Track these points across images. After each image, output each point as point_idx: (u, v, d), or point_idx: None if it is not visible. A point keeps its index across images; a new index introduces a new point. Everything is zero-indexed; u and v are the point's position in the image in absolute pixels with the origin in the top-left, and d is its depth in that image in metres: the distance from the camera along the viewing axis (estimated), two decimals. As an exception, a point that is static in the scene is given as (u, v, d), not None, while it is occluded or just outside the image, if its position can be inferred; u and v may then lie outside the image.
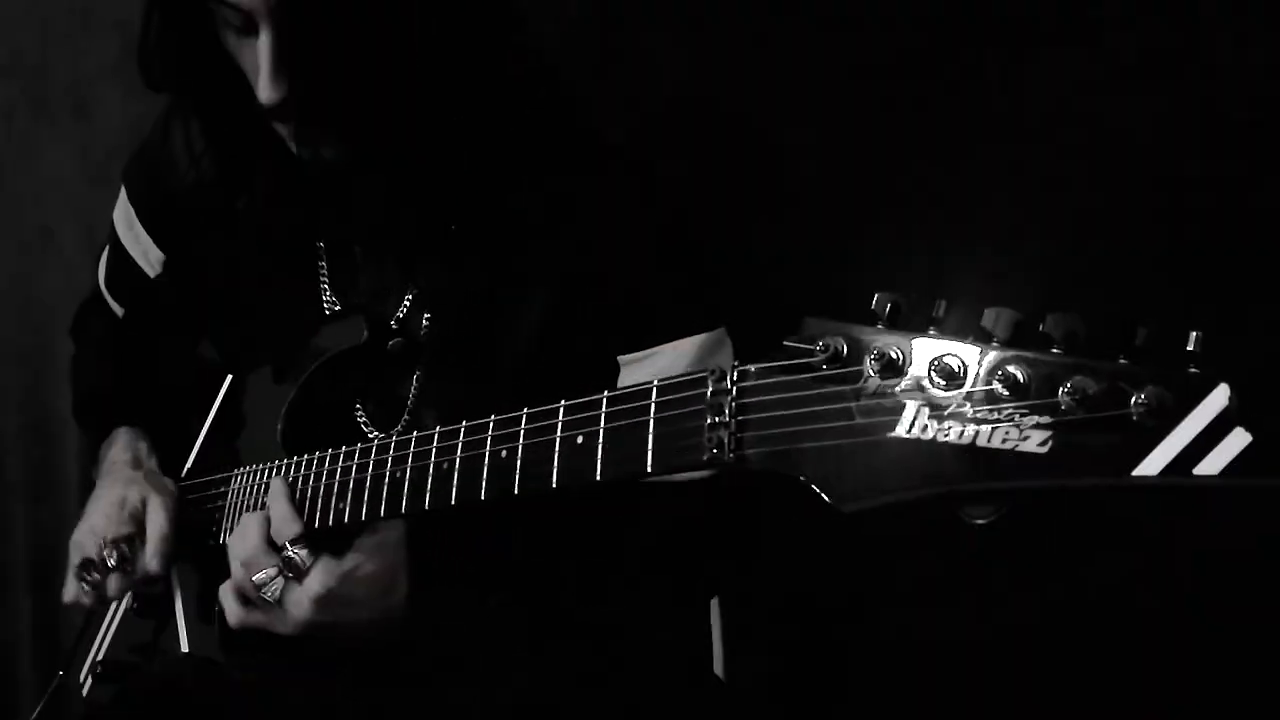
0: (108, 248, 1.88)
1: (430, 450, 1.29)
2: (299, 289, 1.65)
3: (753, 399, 0.99)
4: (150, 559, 1.64)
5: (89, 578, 1.65)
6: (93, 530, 1.67)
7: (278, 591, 1.41)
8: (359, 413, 1.60)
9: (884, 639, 2.08)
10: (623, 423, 1.09)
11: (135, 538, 1.65)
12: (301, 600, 1.40)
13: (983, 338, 0.91)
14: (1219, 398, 0.81)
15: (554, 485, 1.15)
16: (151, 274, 1.81)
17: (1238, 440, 0.80)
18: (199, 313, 1.79)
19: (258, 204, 1.58)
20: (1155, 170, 1.83)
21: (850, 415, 0.94)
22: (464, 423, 1.25)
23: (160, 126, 1.71)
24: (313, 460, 1.47)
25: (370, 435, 1.57)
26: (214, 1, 1.39)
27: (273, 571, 1.41)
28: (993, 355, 0.89)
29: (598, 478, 1.10)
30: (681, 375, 1.06)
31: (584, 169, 1.53)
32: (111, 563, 1.63)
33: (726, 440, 1.00)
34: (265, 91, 1.37)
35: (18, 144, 2.68)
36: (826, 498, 0.95)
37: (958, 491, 0.90)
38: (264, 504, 1.50)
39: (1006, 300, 0.93)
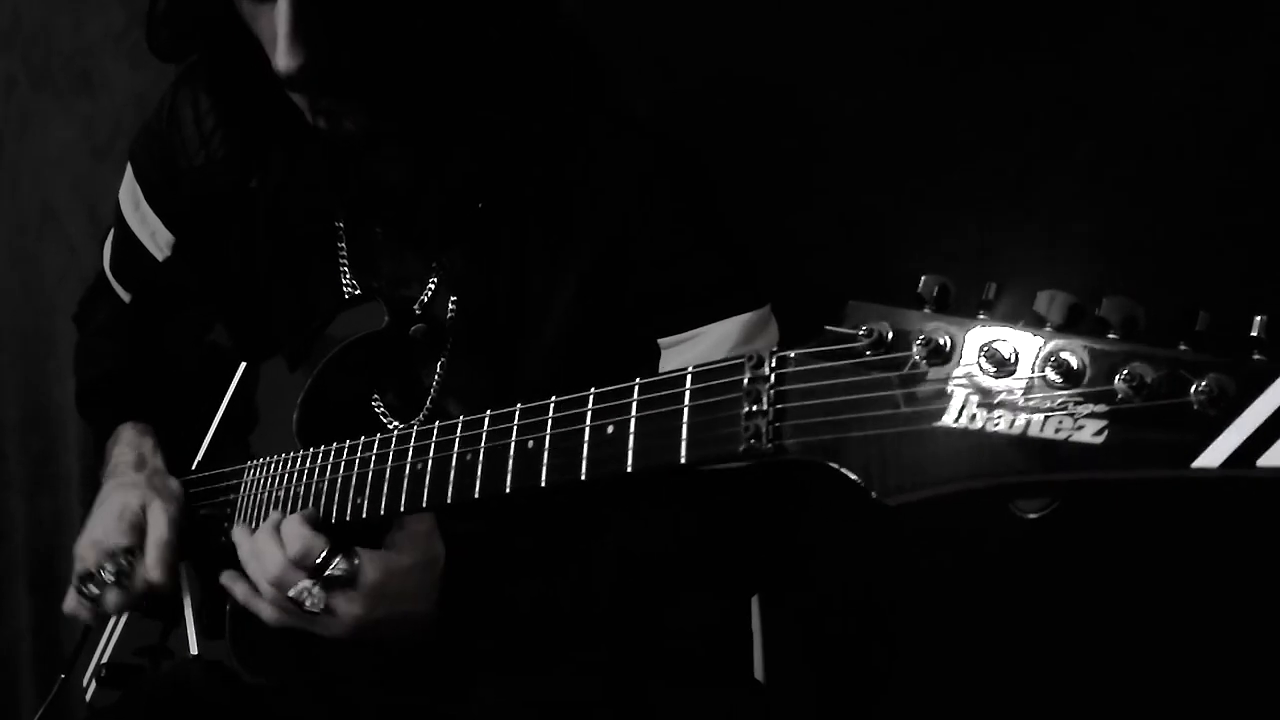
0: (113, 230, 1.91)
1: (453, 440, 1.32)
2: (316, 272, 1.67)
3: (792, 386, 1.01)
4: (151, 569, 1.67)
5: (86, 591, 1.68)
6: (93, 542, 1.71)
7: (320, 601, 1.43)
8: (377, 403, 1.63)
9: (929, 641, 2.09)
10: (655, 411, 1.12)
11: (135, 549, 1.68)
12: (354, 602, 1.43)
13: (1035, 323, 0.92)
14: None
15: (583, 478, 1.17)
16: (160, 257, 1.84)
17: (1304, 431, 0.81)
18: (210, 298, 1.82)
19: (273, 183, 1.61)
20: (1216, 148, 1.83)
21: (895, 404, 0.96)
22: (488, 412, 1.28)
23: (168, 101, 1.74)
24: (329, 452, 1.50)
25: (390, 426, 1.60)
26: None
27: (309, 583, 1.43)
28: (1046, 341, 0.90)
29: (629, 469, 1.13)
30: (717, 361, 1.08)
31: (616, 145, 1.55)
32: (109, 578, 1.66)
33: (764, 429, 1.02)
34: (284, 59, 1.39)
35: (17, 118, 2.71)
36: (870, 490, 0.97)
37: (1008, 484, 0.91)
38: (275, 509, 1.54)
39: (1059, 284, 0.94)
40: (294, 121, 1.52)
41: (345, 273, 1.67)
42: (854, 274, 1.96)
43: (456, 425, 1.32)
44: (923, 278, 0.99)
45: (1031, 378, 0.91)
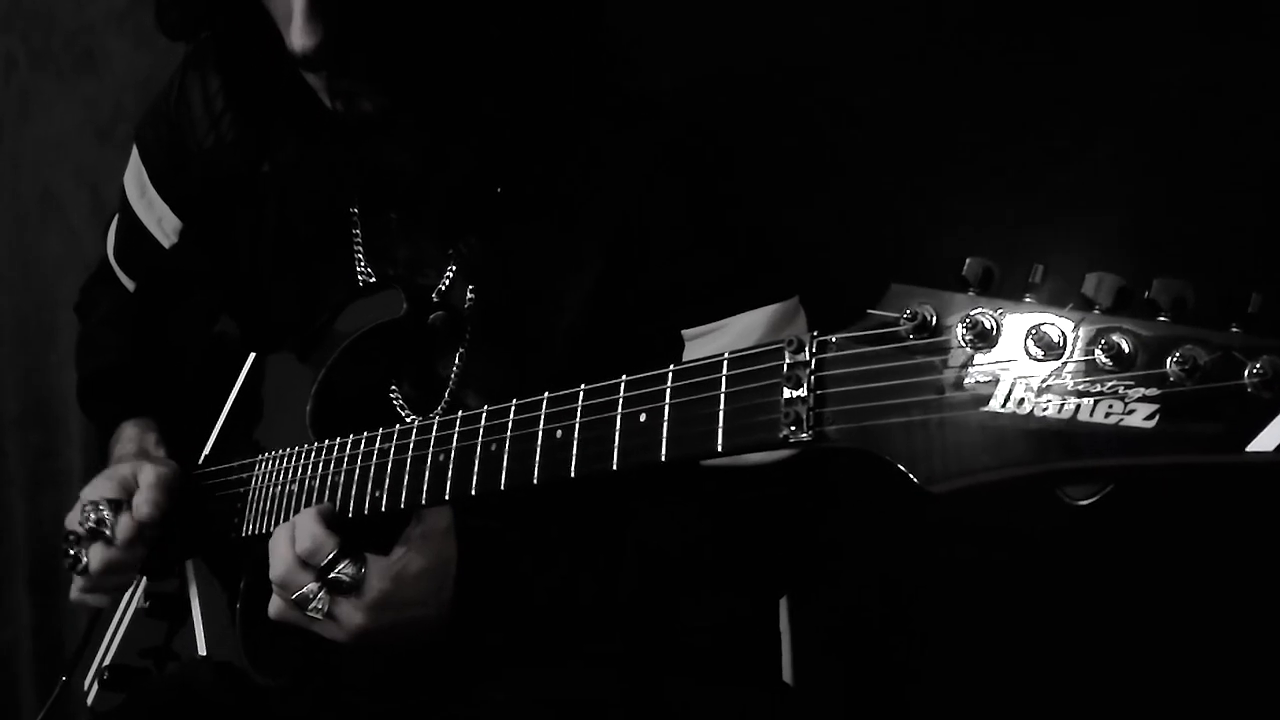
0: (117, 216, 1.94)
1: (477, 430, 1.34)
2: (329, 260, 1.70)
3: (833, 371, 1.04)
4: (139, 506, 1.69)
5: (69, 552, 1.70)
6: (80, 504, 1.73)
7: (324, 606, 1.45)
8: (394, 394, 1.66)
9: (960, 640, 2.12)
10: (690, 398, 1.14)
11: (121, 502, 1.70)
12: (355, 612, 1.45)
13: (1084, 305, 0.95)
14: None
15: (615, 468, 1.19)
16: (166, 244, 1.87)
17: (1362, 414, 0.83)
18: (218, 286, 1.85)
19: (285, 168, 1.64)
20: (1264, 126, 1.86)
21: (940, 389, 0.98)
22: (514, 400, 1.30)
23: (176, 81, 1.77)
24: (345, 444, 1.52)
25: (407, 419, 1.63)
26: None
27: (314, 587, 1.45)
28: (1095, 324, 0.93)
29: (663, 458, 1.15)
30: (755, 346, 1.10)
31: (636, 129, 1.58)
32: (89, 525, 1.68)
33: (805, 416, 1.04)
34: (299, 38, 1.42)
35: (16, 99, 2.73)
36: (914, 478, 0.99)
37: (1058, 471, 0.94)
38: (289, 503, 1.57)
39: (1105, 266, 0.97)
40: (307, 104, 1.55)
41: (360, 260, 1.70)
42: (891, 259, 1.98)
43: (480, 414, 1.35)
44: (967, 260, 1.01)
45: (1081, 361, 0.93)
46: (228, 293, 1.86)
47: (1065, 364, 0.94)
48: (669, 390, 1.17)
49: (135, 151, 1.88)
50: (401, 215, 1.66)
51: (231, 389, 1.85)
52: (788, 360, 1.07)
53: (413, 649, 1.52)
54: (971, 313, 0.98)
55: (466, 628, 1.51)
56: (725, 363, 1.13)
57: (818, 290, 1.59)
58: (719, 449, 1.11)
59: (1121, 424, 0.91)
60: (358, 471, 1.50)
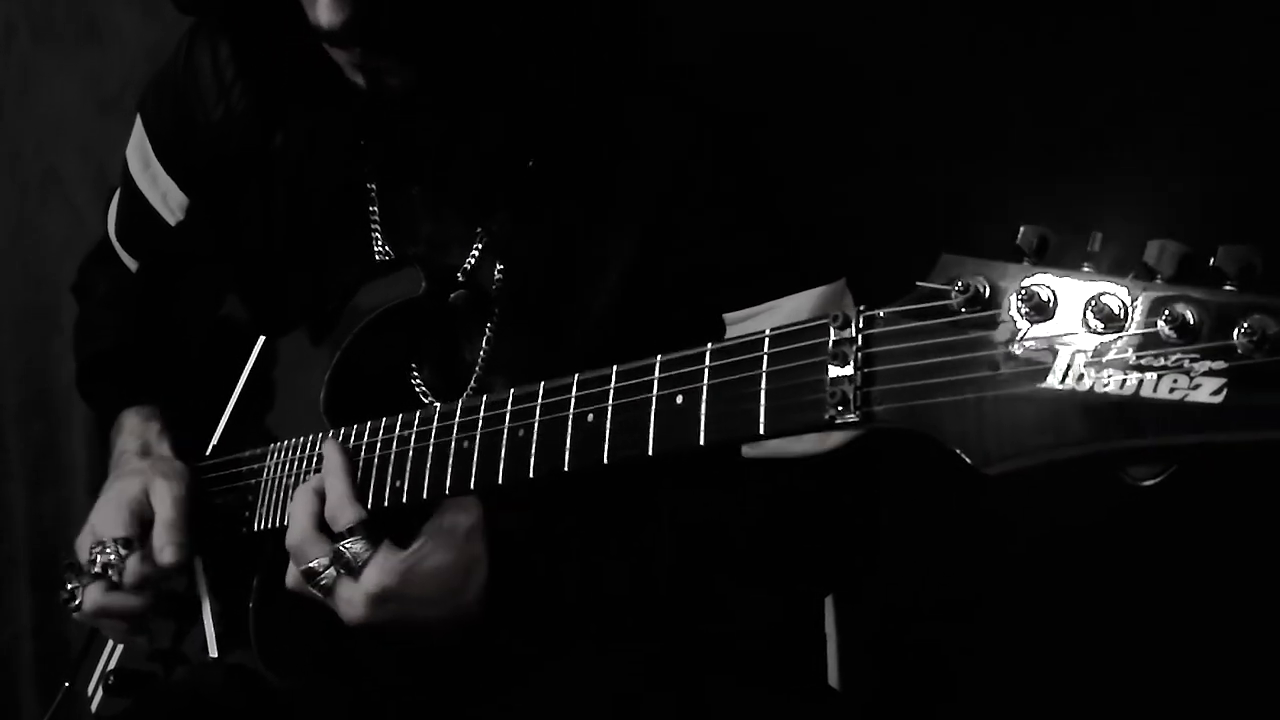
0: (119, 191, 1.98)
1: (503, 415, 1.37)
2: (344, 238, 1.74)
3: (882, 348, 1.06)
4: (161, 550, 1.73)
5: (66, 585, 1.76)
6: (91, 532, 1.78)
7: (330, 583, 1.49)
8: (415, 378, 1.69)
9: (1017, 647, 2.15)
10: (729, 379, 1.17)
11: (134, 540, 1.74)
12: (354, 599, 1.48)
13: (1145, 274, 0.97)
14: None
15: (650, 453, 1.22)
16: (172, 221, 1.90)
17: None
18: (226, 266, 1.89)
19: (299, 141, 1.67)
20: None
21: (994, 364, 1.01)
22: (542, 383, 1.33)
23: (183, 49, 1.81)
24: (364, 430, 1.56)
25: (430, 405, 1.66)
26: None
27: (325, 560, 1.49)
28: (1157, 293, 0.95)
29: (701, 443, 1.18)
30: (799, 323, 1.13)
31: (674, 107, 1.61)
32: (95, 569, 1.73)
33: (852, 395, 1.07)
34: (325, 14, 1.46)
35: (17, 71, 2.76)
36: (968, 459, 1.02)
37: (1120, 450, 0.96)
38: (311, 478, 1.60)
39: (1167, 233, 0.99)
40: (323, 76, 1.58)
41: (377, 238, 1.73)
42: (931, 238, 2.00)
43: (506, 398, 1.38)
44: (1021, 228, 1.04)
45: (1143, 333, 0.95)
46: (236, 272, 1.90)
47: (1126, 336, 0.96)
48: (707, 370, 1.20)
49: (139, 122, 1.91)
50: (425, 189, 1.69)
51: (240, 374, 1.88)
52: (833, 336, 1.10)
53: (428, 647, 1.55)
54: (1026, 283, 1.00)
55: (497, 633, 1.54)
56: (766, 340, 1.15)
57: (864, 267, 1.62)
58: (761, 431, 1.14)
59: (1187, 399, 0.93)
60: (376, 460, 1.53)
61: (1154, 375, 0.95)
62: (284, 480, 1.69)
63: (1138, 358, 0.95)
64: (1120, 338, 0.96)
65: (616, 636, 1.60)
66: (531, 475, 1.34)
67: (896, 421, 1.06)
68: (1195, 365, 0.93)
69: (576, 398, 1.31)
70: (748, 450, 1.60)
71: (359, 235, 1.74)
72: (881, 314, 1.08)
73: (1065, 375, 0.98)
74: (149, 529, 1.76)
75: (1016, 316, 1.01)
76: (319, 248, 1.77)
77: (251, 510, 1.75)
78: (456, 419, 1.44)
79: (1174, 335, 0.94)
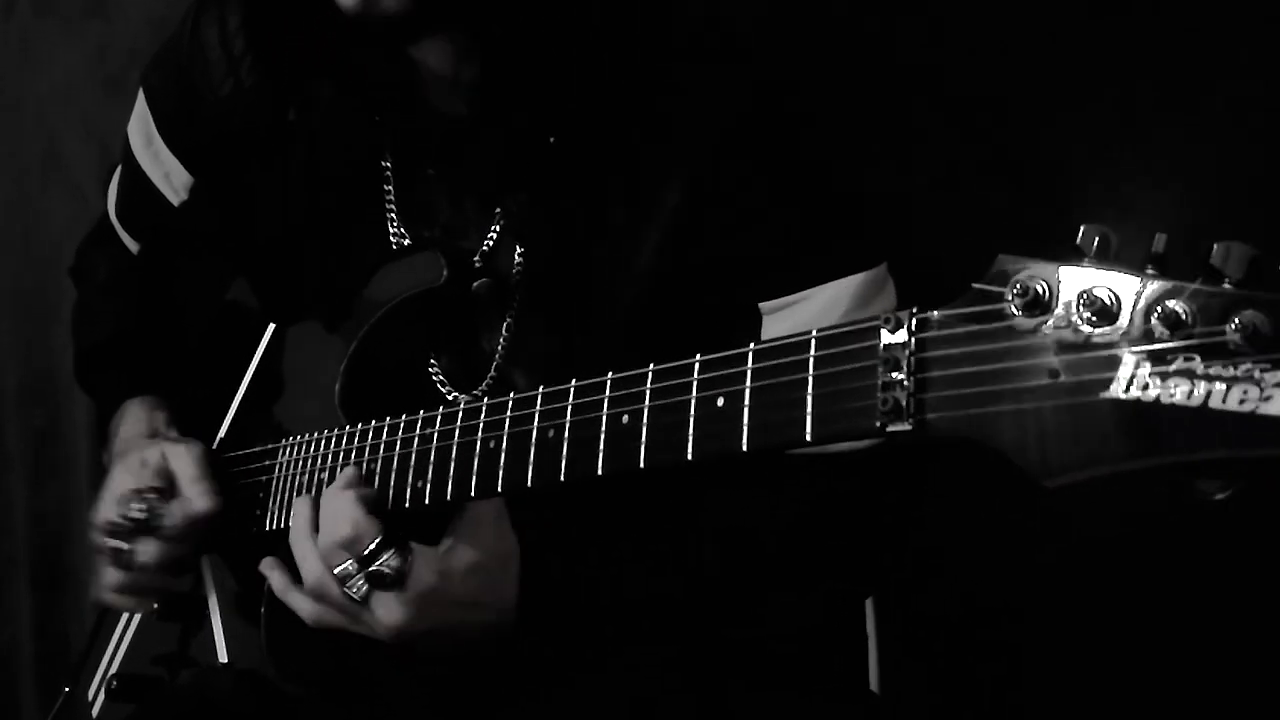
0: (119, 169, 2.00)
1: (532, 414, 1.40)
2: (358, 221, 1.76)
3: (936, 353, 1.08)
4: (196, 499, 1.77)
5: (115, 546, 1.77)
6: (114, 498, 1.80)
7: (364, 588, 1.51)
8: (434, 369, 1.71)
9: (1060, 650, 2.18)
10: (774, 381, 1.19)
11: (164, 493, 1.78)
12: (393, 607, 1.50)
13: (1213, 278, 0.99)
14: None
15: (689, 458, 1.25)
16: (175, 201, 1.93)
17: None
18: (233, 249, 1.91)
19: (311, 118, 1.69)
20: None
21: (1054, 372, 1.03)
22: (574, 381, 1.35)
23: (189, 21, 1.83)
24: (381, 428, 1.58)
25: (449, 396, 1.68)
26: None
27: (355, 568, 1.51)
28: (1226, 299, 0.97)
29: (744, 448, 1.21)
30: (846, 324, 1.15)
31: (708, 78, 1.62)
32: (138, 514, 1.76)
33: (905, 402, 1.09)
34: None
35: (17, 45, 2.78)
36: (1026, 470, 1.04)
37: (1188, 464, 0.98)
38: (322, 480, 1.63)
39: (1231, 234, 1.01)
40: (337, 52, 1.60)
41: (392, 219, 1.75)
42: (983, 231, 2.02)
43: (535, 397, 1.40)
44: (1082, 227, 1.06)
45: (1211, 341, 0.97)
46: (242, 257, 1.92)
47: (1195, 344, 0.98)
48: (750, 372, 1.22)
49: (141, 98, 1.94)
50: (439, 168, 1.71)
51: (248, 364, 1.91)
52: (884, 340, 1.11)
53: (459, 655, 1.58)
54: (1087, 286, 1.02)
55: (531, 636, 1.56)
56: (813, 342, 1.18)
57: (911, 259, 1.64)
58: (807, 438, 1.16)
59: (1258, 412, 0.95)
60: (397, 459, 1.55)
61: (1223, 385, 0.96)
62: (299, 478, 1.71)
63: (1205, 367, 0.97)
64: (1187, 345, 0.98)
65: (649, 641, 1.63)
66: (563, 479, 1.36)
67: (952, 430, 1.08)
68: (1266, 375, 0.95)
69: (610, 398, 1.33)
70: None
71: (374, 219, 1.76)
72: (935, 316, 1.10)
73: (1130, 384, 1.00)
74: (172, 482, 1.80)
75: (1077, 321, 1.02)
76: (333, 231, 1.79)
77: (263, 508, 1.77)
78: (482, 418, 1.46)
79: (1244, 344, 0.96)
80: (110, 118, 2.58)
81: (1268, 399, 0.95)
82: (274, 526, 1.74)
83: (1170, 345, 0.99)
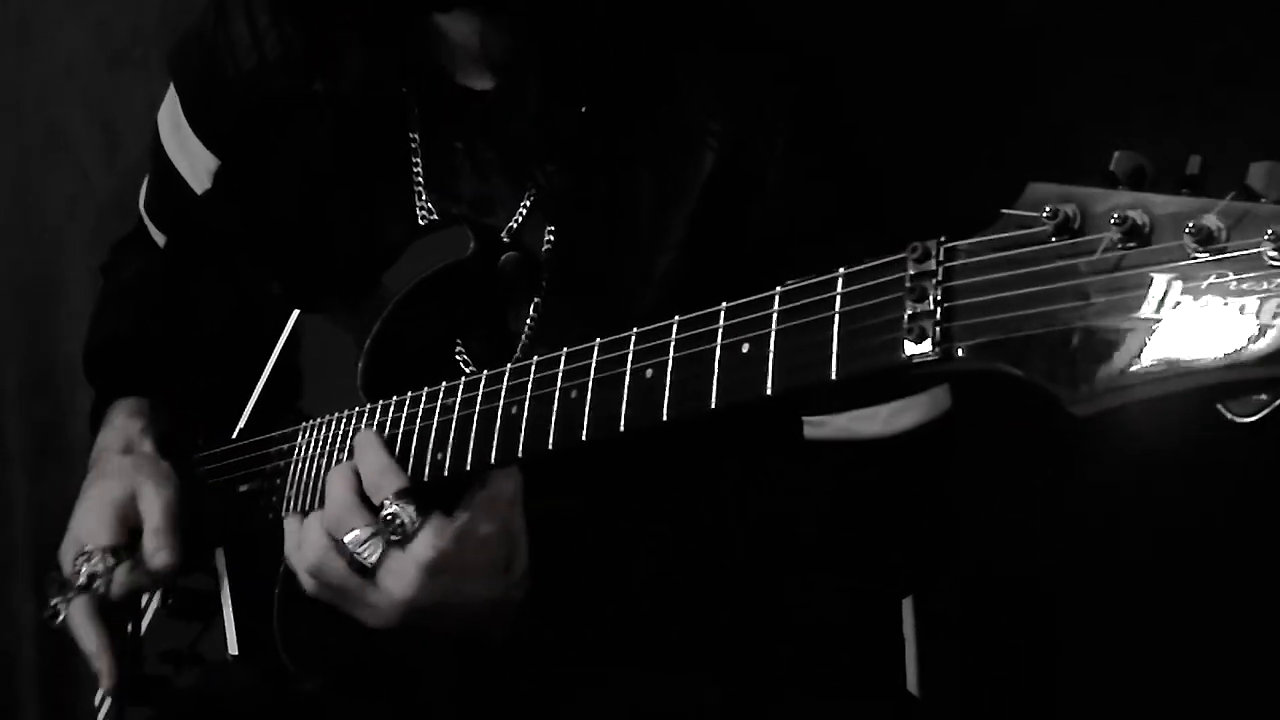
0: (151, 164, 2.07)
1: (555, 375, 1.43)
2: (385, 196, 1.80)
3: (964, 280, 1.11)
4: (153, 555, 1.82)
5: (50, 601, 1.85)
6: (75, 541, 1.86)
7: (376, 554, 1.52)
8: (460, 351, 1.75)
9: (1104, 646, 2.19)
10: (799, 322, 1.22)
11: (121, 549, 1.84)
12: (406, 570, 1.51)
13: (1249, 197, 1.02)
14: None
15: (713, 406, 1.28)
16: (198, 189, 1.99)
17: None
18: (255, 233, 1.96)
19: (342, 85, 1.74)
20: None
21: (1084, 294, 1.05)
22: (598, 340, 1.39)
23: (215, 6, 1.90)
24: (403, 401, 1.62)
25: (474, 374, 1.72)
26: None
27: (368, 531, 1.52)
28: (1262, 213, 1.00)
29: (769, 392, 1.24)
30: (874, 260, 1.18)
31: (748, 46, 1.69)
32: (81, 580, 1.82)
33: (932, 332, 1.12)
34: None
35: (17, 20, 2.83)
36: (1059, 397, 1.06)
37: (1223, 382, 1.00)
38: (342, 459, 1.66)
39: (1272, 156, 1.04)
40: (365, 20, 1.66)
41: (420, 194, 1.80)
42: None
43: (559, 357, 1.44)
44: (1115, 154, 1.09)
45: (1245, 257, 1.00)
46: (265, 240, 1.97)
47: (1227, 259, 1.00)
48: (775, 315, 1.25)
49: (171, 86, 2.02)
50: (470, 144, 1.76)
51: (269, 352, 1.95)
52: (910, 271, 1.14)
53: (462, 633, 1.59)
54: (1121, 208, 1.05)
55: (537, 614, 1.59)
56: (840, 278, 1.21)
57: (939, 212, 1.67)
58: (833, 376, 1.19)
59: (1299, 325, 0.98)
60: (416, 432, 1.59)
61: (1257, 299, 0.99)
62: (320, 460, 1.74)
63: (1239, 282, 1.00)
64: (1221, 260, 1.01)
65: (653, 627, 1.66)
66: (585, 438, 1.40)
67: (980, 360, 1.10)
68: (1309, 287, 0.98)
69: (635, 352, 1.36)
70: (810, 431, 1.65)
71: (401, 193, 1.81)
72: (963, 245, 1.13)
73: (1162, 303, 1.03)
74: (137, 536, 1.84)
75: (1111, 244, 1.05)
76: (360, 205, 1.84)
77: (280, 494, 1.81)
78: (505, 383, 1.50)
79: (1279, 258, 0.99)
80: (114, 95, 2.63)
81: (1297, 312, 0.97)
82: (293, 509, 1.77)
83: (1202, 262, 1.02)
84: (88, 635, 1.85)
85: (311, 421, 1.79)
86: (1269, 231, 0.99)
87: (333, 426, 1.74)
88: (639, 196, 1.68)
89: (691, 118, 1.66)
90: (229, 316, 2.04)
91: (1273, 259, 0.99)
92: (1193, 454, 1.79)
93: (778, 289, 1.26)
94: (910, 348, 1.13)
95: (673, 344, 1.33)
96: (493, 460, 1.50)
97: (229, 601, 1.87)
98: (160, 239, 2.12)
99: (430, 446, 1.57)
